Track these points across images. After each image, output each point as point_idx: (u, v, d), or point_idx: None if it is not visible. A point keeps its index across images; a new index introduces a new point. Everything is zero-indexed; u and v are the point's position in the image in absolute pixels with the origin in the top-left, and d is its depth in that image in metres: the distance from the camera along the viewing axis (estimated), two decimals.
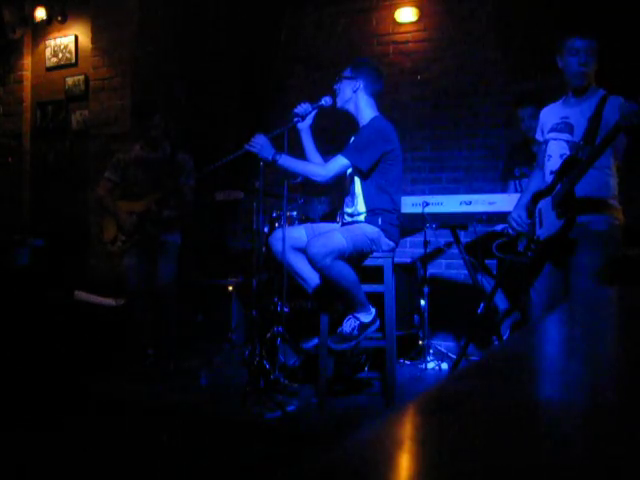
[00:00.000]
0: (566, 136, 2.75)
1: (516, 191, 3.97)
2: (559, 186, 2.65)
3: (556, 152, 2.78)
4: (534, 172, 3.04)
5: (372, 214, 3.20)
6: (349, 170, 3.26)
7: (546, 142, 2.87)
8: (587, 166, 2.54)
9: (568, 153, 2.70)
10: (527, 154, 3.98)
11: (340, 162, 3.16)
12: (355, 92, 3.28)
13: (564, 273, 2.74)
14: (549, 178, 2.79)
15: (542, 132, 2.94)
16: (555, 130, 2.82)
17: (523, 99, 4.01)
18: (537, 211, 2.82)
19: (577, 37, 2.72)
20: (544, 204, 2.77)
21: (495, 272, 4.23)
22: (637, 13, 4.01)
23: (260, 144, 3.13)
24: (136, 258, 3.96)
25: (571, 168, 2.59)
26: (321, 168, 3.20)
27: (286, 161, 3.15)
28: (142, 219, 3.92)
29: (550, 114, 2.90)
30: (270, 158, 3.12)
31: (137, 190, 3.99)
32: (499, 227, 3.79)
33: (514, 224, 2.89)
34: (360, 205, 3.25)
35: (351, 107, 3.32)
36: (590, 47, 2.71)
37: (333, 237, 3.01)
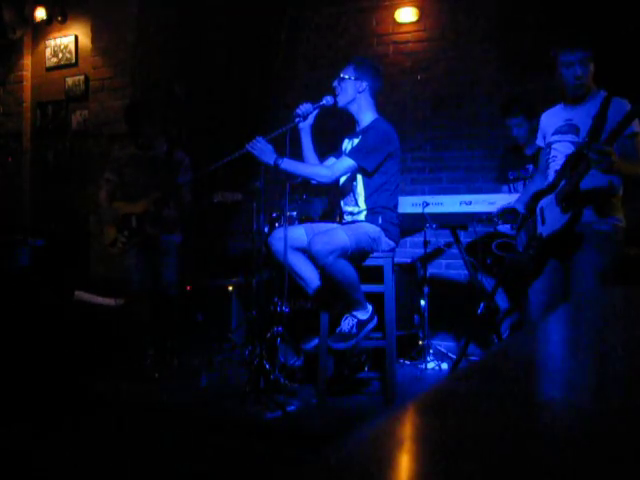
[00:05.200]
0: (571, 137, 2.74)
1: (510, 194, 3.96)
2: (563, 182, 2.64)
3: (561, 152, 2.77)
4: (535, 176, 3.06)
5: (373, 212, 3.21)
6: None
7: (549, 145, 2.85)
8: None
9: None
10: (520, 157, 3.97)
11: (346, 163, 3.16)
12: (360, 93, 3.29)
13: (565, 274, 2.74)
14: (552, 177, 2.78)
15: (544, 137, 2.92)
16: (559, 132, 2.81)
17: (509, 109, 3.94)
18: (538, 209, 2.82)
19: (569, 51, 2.68)
20: (546, 202, 2.77)
21: (495, 271, 4.22)
22: (633, 13, 4.01)
23: (260, 148, 3.10)
24: (137, 259, 3.95)
25: (577, 164, 2.58)
26: (326, 169, 3.20)
27: (289, 165, 3.13)
28: (142, 220, 3.92)
29: (552, 118, 2.88)
30: (272, 163, 3.10)
31: (135, 190, 3.97)
32: (500, 227, 3.79)
33: (507, 217, 2.96)
34: (361, 203, 3.26)
35: (353, 107, 3.31)
36: (584, 58, 2.67)
37: (336, 235, 3.01)
